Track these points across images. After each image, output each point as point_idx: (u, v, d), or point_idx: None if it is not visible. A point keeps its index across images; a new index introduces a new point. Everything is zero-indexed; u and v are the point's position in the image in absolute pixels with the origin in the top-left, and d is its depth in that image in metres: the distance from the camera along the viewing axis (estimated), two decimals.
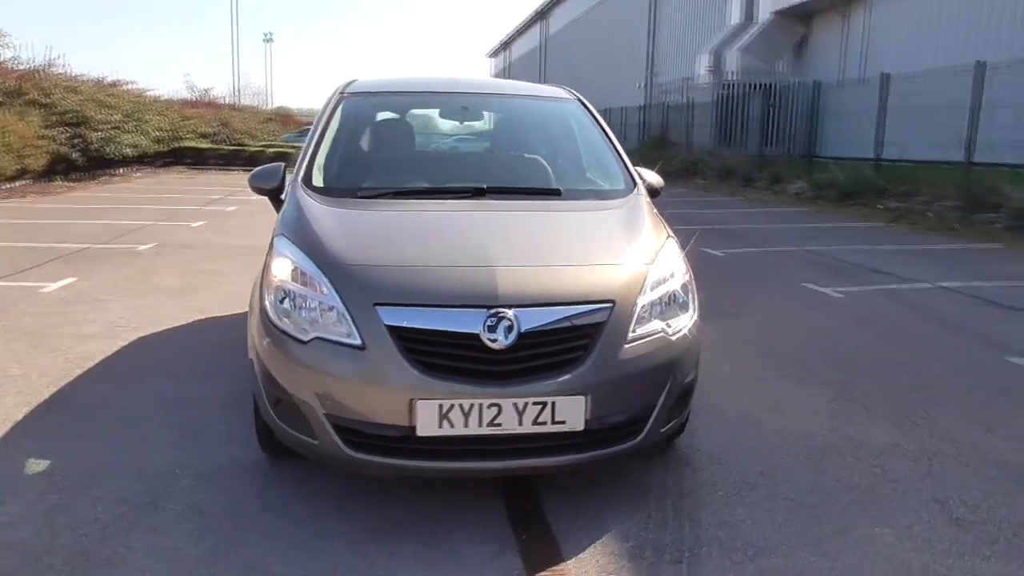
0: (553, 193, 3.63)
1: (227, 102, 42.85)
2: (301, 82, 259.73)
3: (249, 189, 3.82)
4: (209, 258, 8.36)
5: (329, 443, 2.74)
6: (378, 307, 2.71)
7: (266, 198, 3.84)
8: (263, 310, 2.94)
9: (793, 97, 21.03)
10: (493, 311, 2.67)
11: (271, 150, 26.65)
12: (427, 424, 2.63)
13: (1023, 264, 8.28)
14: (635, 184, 3.74)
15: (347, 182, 3.62)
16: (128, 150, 19.70)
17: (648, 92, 34.48)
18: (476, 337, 2.66)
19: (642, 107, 33.25)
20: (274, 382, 2.86)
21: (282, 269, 2.98)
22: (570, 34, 47.45)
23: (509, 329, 2.66)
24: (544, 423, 2.67)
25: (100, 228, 10.40)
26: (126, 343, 5.05)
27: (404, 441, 2.68)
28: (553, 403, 2.67)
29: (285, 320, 2.85)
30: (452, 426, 2.64)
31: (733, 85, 22.71)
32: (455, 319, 2.69)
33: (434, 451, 2.70)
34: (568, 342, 2.74)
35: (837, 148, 18.44)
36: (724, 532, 2.82)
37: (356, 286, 2.78)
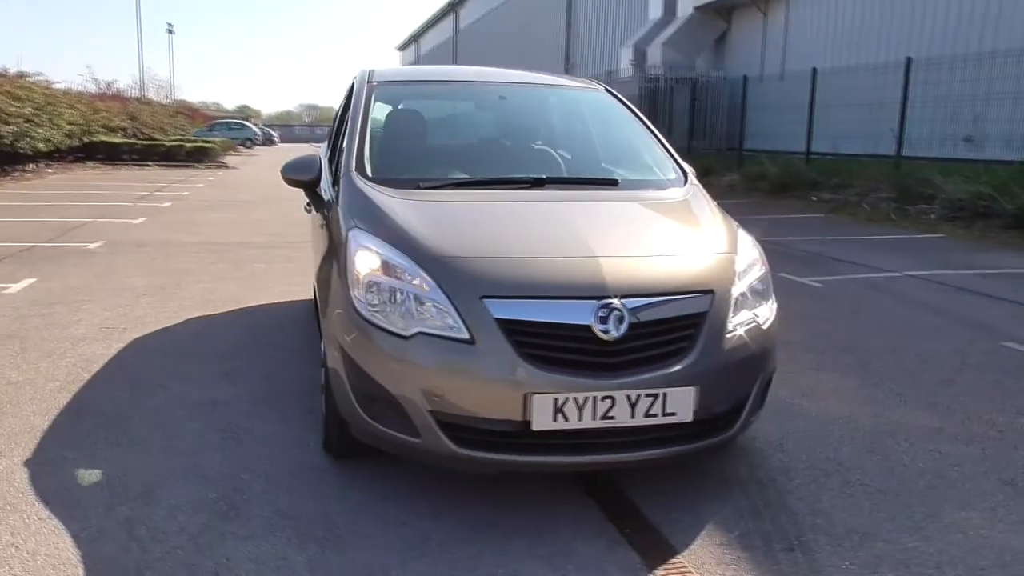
0: (610, 183, 3.61)
1: (134, 95, 41.17)
2: (200, 75, 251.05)
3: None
4: (168, 256, 7.98)
5: (434, 441, 2.65)
6: (485, 300, 2.63)
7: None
8: (349, 305, 2.81)
9: (719, 91, 21.59)
10: (604, 302, 2.63)
11: (189, 145, 25.68)
12: (542, 418, 2.57)
13: (975, 253, 8.71)
14: (685, 173, 3.74)
15: (403, 172, 3.50)
16: (41, 144, 18.60)
17: None
18: (587, 329, 2.61)
19: None
20: (367, 379, 2.74)
21: (367, 263, 2.85)
22: (483, 27, 47.41)
23: (620, 320, 2.63)
24: (655, 415, 2.65)
25: (37, 226, 9.80)
26: (123, 345, 4.76)
27: (517, 436, 2.61)
28: (665, 394, 2.65)
29: (378, 315, 2.74)
30: (566, 420, 2.59)
31: (658, 79, 23.12)
32: (566, 311, 2.64)
33: (547, 445, 2.64)
34: (674, 332, 2.73)
35: (764, 141, 19.02)
36: (820, 519, 2.85)
37: (460, 279, 2.69)
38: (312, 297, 5.79)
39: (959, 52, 13.95)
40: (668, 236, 3.12)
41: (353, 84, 5.04)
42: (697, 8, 23.01)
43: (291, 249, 8.51)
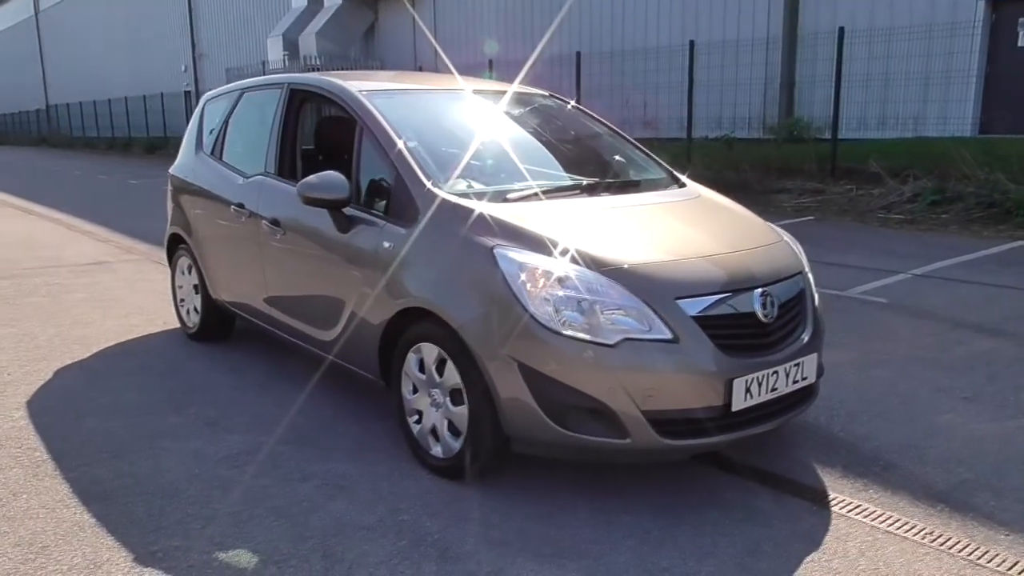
0: (635, 184, 3.93)
1: None
2: None
3: None
4: None
5: (646, 438, 2.82)
6: (679, 301, 2.86)
7: None
8: (531, 322, 2.82)
9: None
10: (762, 290, 3.03)
11: None
12: (738, 399, 2.90)
13: None
14: (671, 172, 4.18)
15: (471, 185, 3.45)
16: None
17: (196, 75, 32.69)
18: (754, 315, 2.99)
19: (188, 92, 31.51)
20: (567, 391, 2.81)
21: (539, 278, 2.88)
22: (77, 7, 42.08)
23: (773, 304, 3.05)
24: (798, 380, 3.12)
25: None
26: (19, 411, 3.90)
27: (717, 419, 2.90)
28: (802, 362, 3.12)
29: (571, 328, 2.81)
30: (752, 397, 2.94)
31: (316, 69, 22.90)
32: (738, 301, 2.97)
33: (739, 422, 2.96)
34: (795, 308, 3.21)
35: None
36: (874, 442, 3.54)
37: (652, 284, 2.87)
38: (185, 325, 5.19)
39: (622, 48, 16.06)
40: (751, 229, 3.54)
41: (259, 86, 4.65)
42: None
43: (48, 276, 7.24)
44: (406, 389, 3.36)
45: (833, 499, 3.07)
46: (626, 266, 2.92)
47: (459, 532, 2.82)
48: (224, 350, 4.97)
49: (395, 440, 3.55)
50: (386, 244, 3.36)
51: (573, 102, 4.61)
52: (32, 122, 48.59)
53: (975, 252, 7.64)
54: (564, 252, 2.95)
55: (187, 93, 32.22)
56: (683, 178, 4.11)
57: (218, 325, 5.05)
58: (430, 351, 3.19)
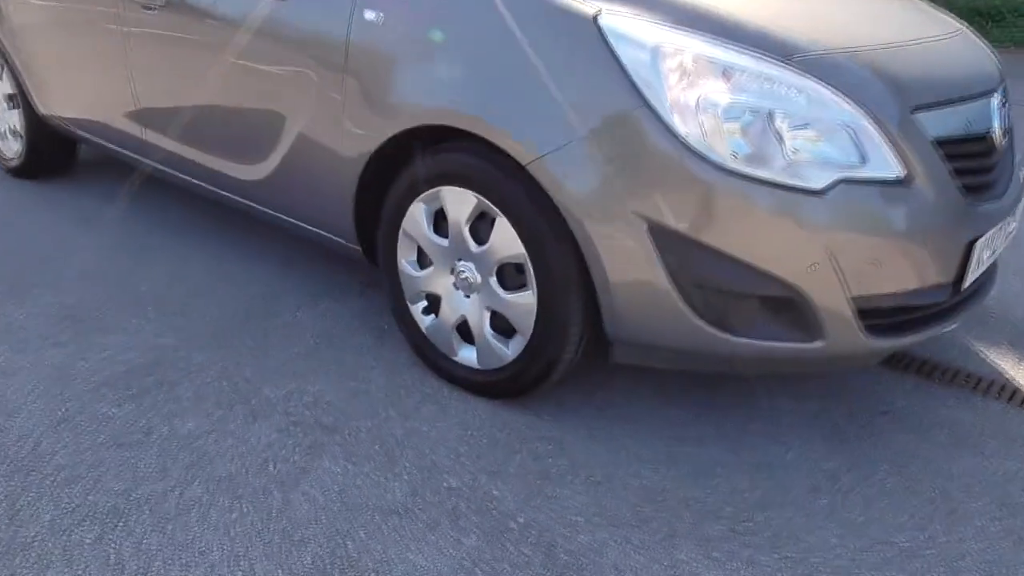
0: None
1: None
2: None
3: None
4: None
5: (845, 339, 1.71)
6: (918, 114, 1.70)
7: None
8: (675, 148, 1.59)
9: None
10: (998, 97, 1.92)
11: None
12: (972, 271, 1.84)
13: None
14: None
15: None
16: None
17: None
18: (987, 137, 1.89)
19: None
20: (741, 271, 1.64)
21: (688, 69, 1.61)
22: None
23: (1008, 118, 1.97)
24: (998, 245, 2.09)
25: None
26: None
27: (942, 303, 1.84)
28: (1018, 211, 2.09)
29: (748, 160, 1.60)
30: (980, 265, 1.90)
31: None
32: (975, 114, 1.86)
33: (957, 306, 1.91)
34: (1007, 127, 2.13)
35: None
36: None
37: (878, 85, 1.67)
38: (2, 156, 3.57)
39: None
40: (935, 13, 2.33)
41: None
42: None
43: None
44: (406, 260, 2.09)
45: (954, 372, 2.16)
46: (835, 53, 1.69)
47: (550, 514, 1.68)
48: (71, 193, 3.42)
49: (382, 337, 2.32)
50: (369, 14, 1.95)
51: None
52: None
53: None
54: (724, 27, 1.68)
55: None
56: None
57: (53, 155, 3.48)
58: (460, 200, 1.90)
